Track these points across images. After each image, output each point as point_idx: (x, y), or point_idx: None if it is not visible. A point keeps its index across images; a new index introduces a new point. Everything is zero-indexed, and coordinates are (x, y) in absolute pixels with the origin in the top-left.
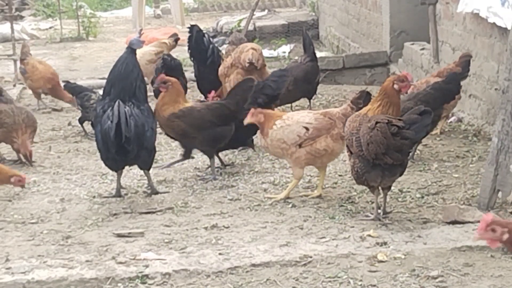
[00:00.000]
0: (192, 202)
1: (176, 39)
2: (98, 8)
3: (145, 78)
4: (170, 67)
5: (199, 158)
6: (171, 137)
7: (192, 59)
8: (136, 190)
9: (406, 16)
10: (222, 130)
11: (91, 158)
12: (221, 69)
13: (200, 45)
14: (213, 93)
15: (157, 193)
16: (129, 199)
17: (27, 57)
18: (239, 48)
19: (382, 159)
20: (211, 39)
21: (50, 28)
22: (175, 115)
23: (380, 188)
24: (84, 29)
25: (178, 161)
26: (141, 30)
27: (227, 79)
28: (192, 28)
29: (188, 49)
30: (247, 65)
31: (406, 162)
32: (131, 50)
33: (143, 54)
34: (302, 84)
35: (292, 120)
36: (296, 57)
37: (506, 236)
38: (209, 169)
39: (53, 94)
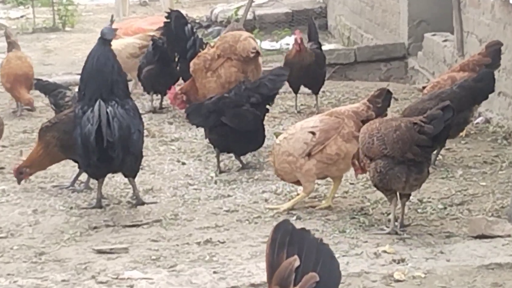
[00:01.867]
0: (183, 214)
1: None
2: None
3: (128, 74)
4: (162, 50)
5: (191, 165)
6: None
7: (170, 52)
8: (119, 200)
9: (427, 3)
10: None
11: (68, 164)
12: (198, 63)
13: (180, 35)
14: (173, 89)
15: (143, 203)
16: (111, 210)
17: (13, 49)
18: (227, 38)
19: (405, 155)
20: (194, 29)
21: (22, 17)
22: None
23: (398, 196)
24: (60, 18)
25: None
26: (112, 16)
27: (210, 73)
28: (170, 13)
29: (166, 39)
30: (251, 54)
31: (429, 161)
32: (103, 41)
33: (126, 46)
34: (322, 66)
35: (295, 128)
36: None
37: None
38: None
39: (11, 94)
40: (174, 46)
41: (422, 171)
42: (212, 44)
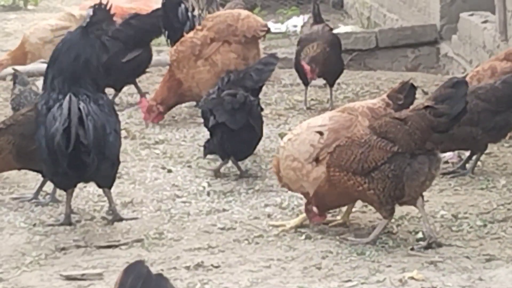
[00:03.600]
0: (169, 232)
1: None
2: None
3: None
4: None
5: (178, 172)
6: None
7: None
8: (92, 215)
9: None
10: None
11: (30, 171)
12: (183, 50)
13: (172, 18)
14: (144, 101)
15: (121, 219)
16: (83, 228)
17: None
18: (220, 17)
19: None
20: (189, 12)
21: None
22: None
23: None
24: None
25: None
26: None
27: (201, 62)
28: None
29: (162, 21)
30: (261, 33)
31: None
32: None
33: (35, 30)
34: (335, 50)
35: (301, 127)
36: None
37: None
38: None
39: None
40: (170, 33)
41: (440, 159)
42: (198, 26)
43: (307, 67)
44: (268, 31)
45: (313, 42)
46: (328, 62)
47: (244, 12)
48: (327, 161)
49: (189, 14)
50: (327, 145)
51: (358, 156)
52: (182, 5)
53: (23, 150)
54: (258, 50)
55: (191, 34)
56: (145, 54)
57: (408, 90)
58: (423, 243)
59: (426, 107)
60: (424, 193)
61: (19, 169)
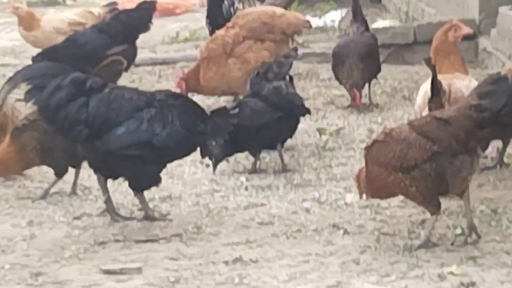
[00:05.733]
0: (207, 227)
1: (113, 9)
2: None
3: None
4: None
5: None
6: None
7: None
8: (130, 210)
9: None
10: None
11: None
12: (214, 48)
13: (216, 14)
14: (181, 71)
15: (154, 219)
16: (122, 222)
17: None
18: (253, 15)
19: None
20: (232, 8)
21: None
22: None
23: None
24: None
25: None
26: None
27: (233, 60)
28: None
29: (207, 17)
30: (305, 28)
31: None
32: None
33: (52, 19)
34: (369, 61)
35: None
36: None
37: None
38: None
39: None
40: (214, 29)
41: (480, 154)
42: (229, 24)
43: (355, 93)
44: (311, 27)
45: (347, 59)
46: (365, 79)
47: (279, 10)
48: (365, 157)
49: (232, 9)
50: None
51: (398, 153)
52: (226, 1)
53: (46, 146)
54: (289, 48)
55: (222, 32)
56: (131, 50)
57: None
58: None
59: (471, 106)
60: None
61: (40, 165)
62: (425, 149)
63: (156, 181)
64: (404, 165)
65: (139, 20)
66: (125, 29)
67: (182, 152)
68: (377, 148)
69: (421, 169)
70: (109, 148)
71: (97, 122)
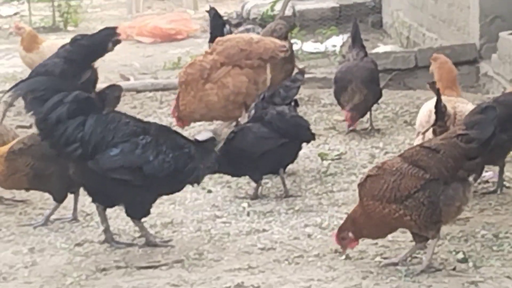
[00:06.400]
0: (209, 253)
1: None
2: None
3: None
4: None
5: (218, 193)
6: None
7: None
8: (132, 236)
9: None
10: None
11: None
12: (192, 73)
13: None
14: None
15: (155, 245)
16: (123, 248)
17: None
18: (231, 42)
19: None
20: (232, 29)
21: (15, 14)
22: None
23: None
24: (61, 16)
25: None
26: None
27: (210, 86)
28: (209, 12)
29: (209, 42)
30: (282, 54)
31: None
32: None
33: (51, 45)
34: (371, 86)
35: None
36: (343, 54)
37: None
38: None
39: None
40: None
41: (471, 183)
42: (208, 50)
43: (348, 115)
44: (287, 51)
45: (350, 84)
46: (368, 103)
47: (256, 36)
48: (359, 193)
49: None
50: None
51: (391, 185)
52: (227, 25)
53: (41, 172)
54: (267, 75)
55: (200, 57)
56: (94, 73)
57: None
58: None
59: (458, 135)
60: (465, 213)
61: (28, 190)
62: (417, 178)
63: (149, 210)
64: (398, 195)
65: (99, 45)
66: (87, 53)
67: (170, 186)
68: (370, 182)
69: (414, 198)
70: (100, 168)
71: (92, 141)
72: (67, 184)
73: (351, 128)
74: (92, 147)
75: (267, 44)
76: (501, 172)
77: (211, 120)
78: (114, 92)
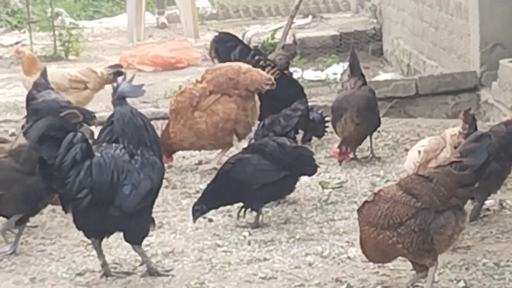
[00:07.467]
0: (211, 282)
1: (116, 72)
2: (81, 16)
3: None
4: None
5: (219, 221)
6: None
7: None
8: (133, 265)
9: (502, 23)
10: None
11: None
12: (182, 101)
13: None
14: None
15: (156, 272)
16: (124, 278)
17: None
18: (220, 71)
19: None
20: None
21: (17, 43)
22: None
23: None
24: (63, 45)
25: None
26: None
27: (198, 113)
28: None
29: None
30: (266, 87)
31: None
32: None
33: (52, 73)
34: (368, 114)
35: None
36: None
37: None
38: None
39: None
40: None
41: (465, 213)
42: (198, 78)
43: (335, 151)
44: (273, 84)
45: (345, 112)
46: (362, 135)
47: (245, 66)
48: (358, 219)
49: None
50: (421, 164)
51: (385, 212)
52: (234, 51)
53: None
54: (255, 102)
55: (190, 85)
56: None
57: (471, 122)
58: None
59: (451, 163)
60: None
61: None
62: (409, 206)
63: (148, 231)
64: (391, 222)
65: None
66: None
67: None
68: (367, 209)
69: (406, 225)
70: (123, 211)
71: (105, 187)
72: (19, 209)
73: (345, 161)
74: (104, 193)
75: (253, 76)
76: (482, 204)
77: (201, 149)
78: (73, 118)
